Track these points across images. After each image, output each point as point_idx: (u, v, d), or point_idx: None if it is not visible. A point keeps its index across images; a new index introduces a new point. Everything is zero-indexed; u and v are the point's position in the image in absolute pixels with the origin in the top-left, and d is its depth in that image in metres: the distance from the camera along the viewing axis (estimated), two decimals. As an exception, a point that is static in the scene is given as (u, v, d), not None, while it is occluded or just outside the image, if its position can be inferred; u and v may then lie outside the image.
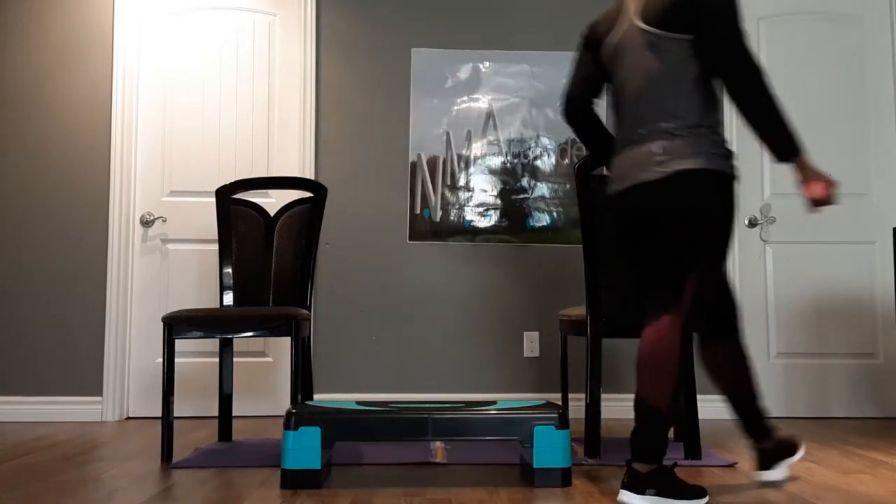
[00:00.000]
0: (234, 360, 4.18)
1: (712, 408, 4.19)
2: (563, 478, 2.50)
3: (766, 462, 2.51)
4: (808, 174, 2.22)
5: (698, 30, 2.25)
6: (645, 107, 2.34)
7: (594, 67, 2.56)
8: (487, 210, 4.30)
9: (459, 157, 4.31)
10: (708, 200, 2.24)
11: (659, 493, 2.17)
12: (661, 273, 2.29)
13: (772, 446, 2.51)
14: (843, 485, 2.56)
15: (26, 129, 4.22)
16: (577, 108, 2.60)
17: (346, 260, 4.27)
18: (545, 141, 4.32)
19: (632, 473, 2.20)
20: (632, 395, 4.21)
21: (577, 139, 2.69)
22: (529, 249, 4.29)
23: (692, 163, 2.24)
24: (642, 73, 2.35)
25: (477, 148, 4.32)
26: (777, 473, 2.51)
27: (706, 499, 2.22)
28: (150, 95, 4.29)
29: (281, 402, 4.21)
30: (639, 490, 2.17)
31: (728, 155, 2.31)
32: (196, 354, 4.20)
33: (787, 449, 2.54)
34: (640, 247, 2.41)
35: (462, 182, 4.31)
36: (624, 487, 2.20)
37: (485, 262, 4.28)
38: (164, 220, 4.24)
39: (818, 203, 2.22)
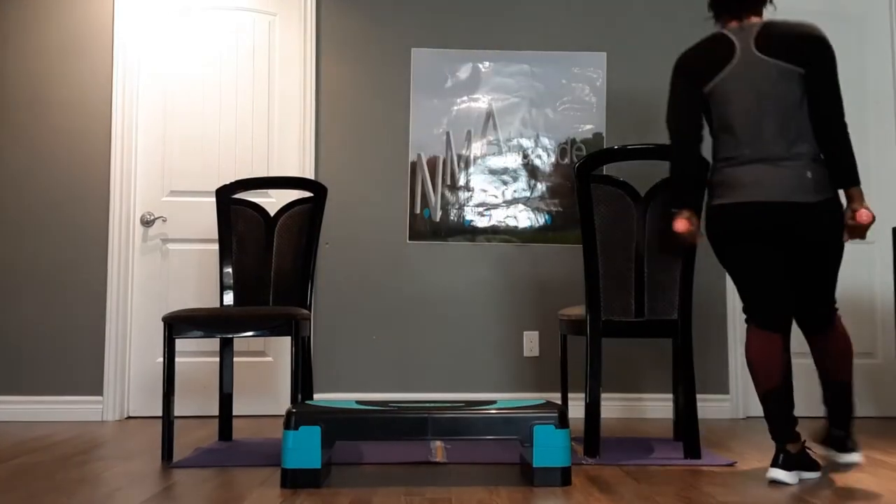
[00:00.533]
0: (235, 359, 4.18)
1: (712, 408, 4.19)
2: (563, 477, 2.50)
3: (784, 463, 2.57)
4: (861, 203, 2.59)
5: (809, 65, 2.60)
6: (777, 130, 2.61)
7: (701, 100, 2.77)
8: (487, 210, 4.30)
9: (459, 157, 4.32)
10: (839, 226, 2.62)
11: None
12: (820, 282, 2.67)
13: (796, 452, 2.59)
14: (844, 485, 2.56)
15: (27, 129, 4.22)
16: (696, 139, 2.77)
17: (346, 260, 4.27)
18: (545, 141, 4.32)
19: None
20: (631, 395, 4.21)
21: (680, 167, 2.78)
22: (529, 249, 4.29)
23: (832, 192, 2.60)
24: (773, 99, 2.62)
25: (477, 148, 4.33)
26: (788, 477, 2.56)
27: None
28: (150, 95, 4.30)
29: (281, 401, 4.21)
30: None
31: None
32: (196, 354, 4.20)
33: (809, 463, 2.62)
34: (766, 258, 2.66)
35: (462, 182, 4.31)
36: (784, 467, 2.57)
37: (485, 262, 4.28)
38: (164, 220, 4.24)
39: (857, 231, 2.59)
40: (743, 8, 2.72)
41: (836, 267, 2.67)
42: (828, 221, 2.59)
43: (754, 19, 2.73)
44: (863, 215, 2.57)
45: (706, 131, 2.82)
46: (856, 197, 2.59)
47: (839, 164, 2.58)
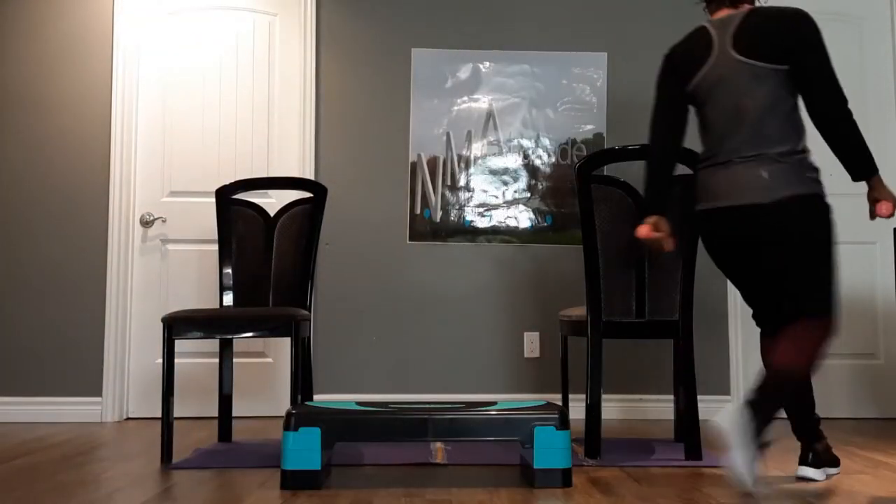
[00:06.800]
0: (234, 360, 4.17)
1: (712, 408, 4.18)
2: (564, 478, 2.50)
3: (814, 461, 2.62)
4: (882, 192, 2.49)
5: (794, 61, 2.47)
6: (749, 133, 2.50)
7: (685, 98, 2.70)
8: (487, 210, 4.29)
9: (459, 157, 4.31)
10: (812, 224, 2.44)
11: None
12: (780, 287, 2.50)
13: (822, 449, 2.64)
14: (844, 485, 2.55)
15: (26, 130, 4.22)
16: (672, 143, 2.72)
17: (346, 260, 4.26)
18: (545, 141, 4.32)
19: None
20: (632, 396, 4.21)
21: (651, 172, 2.73)
22: (529, 249, 4.28)
23: (798, 189, 2.45)
24: (746, 102, 2.51)
25: (477, 148, 4.32)
26: (817, 474, 2.61)
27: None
28: (150, 95, 4.29)
29: (281, 402, 4.21)
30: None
31: (820, 179, 2.52)
32: (196, 355, 4.20)
33: (832, 459, 2.66)
34: (742, 263, 2.58)
35: (462, 182, 4.30)
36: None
37: (485, 262, 4.28)
38: (164, 221, 4.23)
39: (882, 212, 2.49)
40: None
41: (815, 269, 2.43)
42: (785, 222, 2.43)
43: (746, 6, 2.60)
44: (882, 209, 2.47)
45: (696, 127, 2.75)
46: (874, 186, 2.49)
47: (849, 160, 2.47)
